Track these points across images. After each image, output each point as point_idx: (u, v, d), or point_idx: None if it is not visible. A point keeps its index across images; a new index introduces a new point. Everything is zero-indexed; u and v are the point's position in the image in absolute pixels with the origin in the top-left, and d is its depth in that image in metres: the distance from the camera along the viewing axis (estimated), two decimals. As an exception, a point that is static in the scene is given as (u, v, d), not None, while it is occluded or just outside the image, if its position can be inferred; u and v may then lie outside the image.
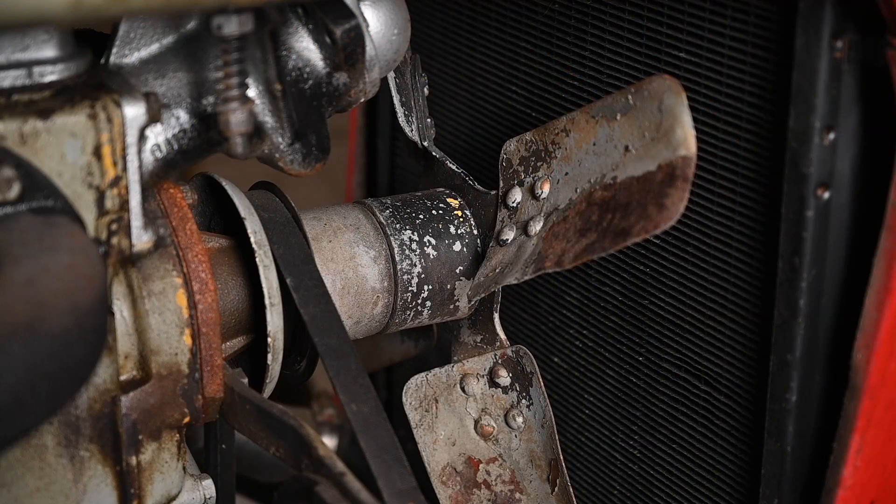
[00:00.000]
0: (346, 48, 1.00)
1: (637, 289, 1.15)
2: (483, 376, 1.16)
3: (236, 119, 0.96)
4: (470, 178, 1.17)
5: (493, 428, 1.16)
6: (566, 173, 1.05)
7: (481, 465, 1.16)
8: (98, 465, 0.97)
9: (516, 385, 1.14)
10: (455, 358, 1.18)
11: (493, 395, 1.15)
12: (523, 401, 1.13)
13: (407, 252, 1.15)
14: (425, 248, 1.16)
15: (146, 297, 0.97)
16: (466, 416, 1.17)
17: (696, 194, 1.06)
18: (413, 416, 1.16)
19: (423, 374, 1.17)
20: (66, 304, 0.82)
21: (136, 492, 0.99)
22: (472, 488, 1.17)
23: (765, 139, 1.00)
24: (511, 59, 1.25)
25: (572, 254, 1.01)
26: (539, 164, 1.07)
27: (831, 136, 0.95)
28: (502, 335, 1.16)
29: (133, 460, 0.98)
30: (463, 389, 1.17)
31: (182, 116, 1.00)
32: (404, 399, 1.16)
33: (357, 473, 0.94)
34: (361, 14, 1.02)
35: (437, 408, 1.17)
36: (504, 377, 1.14)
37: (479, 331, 1.17)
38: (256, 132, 1.01)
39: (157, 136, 0.99)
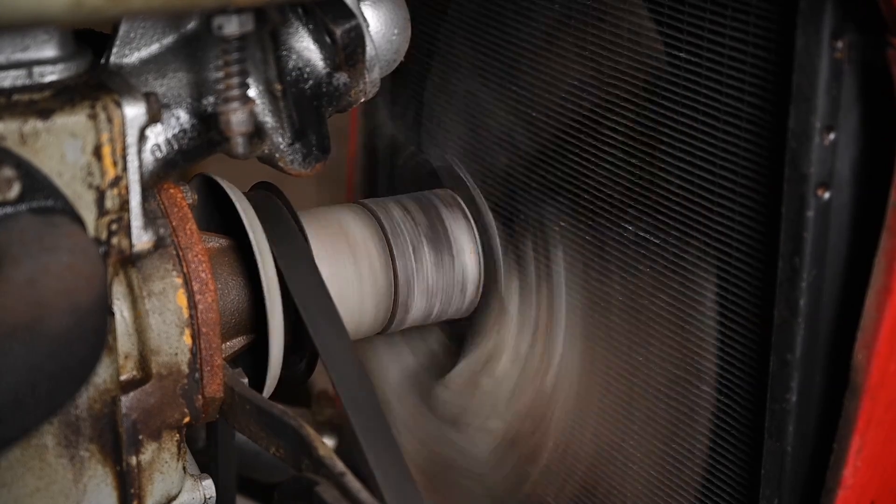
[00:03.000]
0: (347, 48, 1.00)
1: (637, 289, 1.15)
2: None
3: (237, 119, 0.96)
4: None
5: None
6: None
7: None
8: (98, 465, 0.97)
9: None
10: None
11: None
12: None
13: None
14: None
15: (146, 297, 0.97)
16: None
17: (696, 194, 1.06)
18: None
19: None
20: (66, 304, 0.82)
21: (136, 492, 0.99)
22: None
23: (765, 139, 1.00)
24: (511, 59, 1.25)
25: None
26: None
27: (831, 136, 0.95)
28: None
29: (133, 460, 0.98)
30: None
31: (182, 116, 1.00)
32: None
33: (357, 473, 0.94)
34: (361, 14, 1.02)
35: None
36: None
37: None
38: (257, 132, 1.01)
39: (158, 136, 0.99)
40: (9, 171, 0.88)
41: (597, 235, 1.18)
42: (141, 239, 0.97)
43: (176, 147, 1.00)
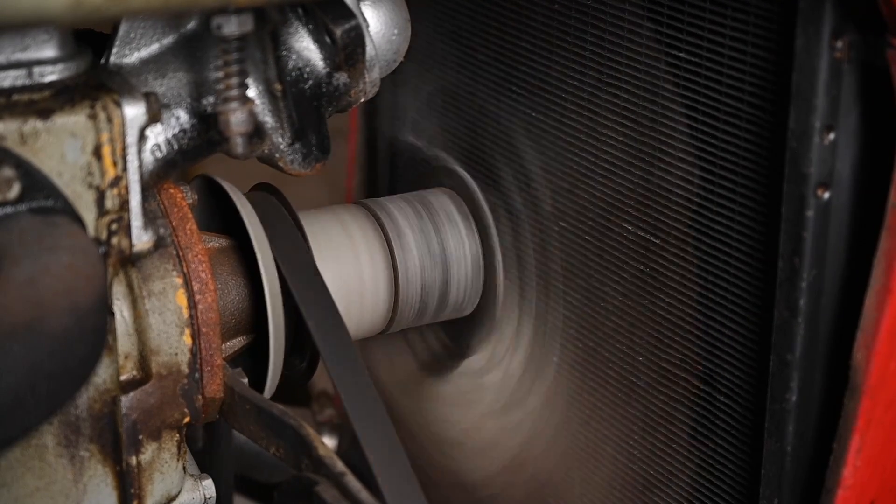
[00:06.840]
0: (347, 48, 1.01)
1: (637, 289, 1.15)
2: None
3: (236, 119, 0.96)
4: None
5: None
6: None
7: None
8: (98, 465, 0.97)
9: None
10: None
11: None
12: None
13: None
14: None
15: (146, 297, 0.97)
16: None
17: (696, 194, 1.06)
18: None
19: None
20: (66, 304, 0.82)
21: (136, 492, 0.99)
22: None
23: (765, 139, 1.00)
24: (511, 59, 1.25)
25: None
26: None
27: (831, 136, 0.95)
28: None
29: (133, 460, 0.98)
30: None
31: (182, 116, 1.00)
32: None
33: (357, 473, 0.94)
34: (361, 14, 1.02)
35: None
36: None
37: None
38: (256, 132, 1.01)
39: (157, 136, 0.99)
40: (9, 171, 0.88)
41: (596, 235, 1.18)
42: (141, 239, 0.97)
43: (176, 147, 1.00)
